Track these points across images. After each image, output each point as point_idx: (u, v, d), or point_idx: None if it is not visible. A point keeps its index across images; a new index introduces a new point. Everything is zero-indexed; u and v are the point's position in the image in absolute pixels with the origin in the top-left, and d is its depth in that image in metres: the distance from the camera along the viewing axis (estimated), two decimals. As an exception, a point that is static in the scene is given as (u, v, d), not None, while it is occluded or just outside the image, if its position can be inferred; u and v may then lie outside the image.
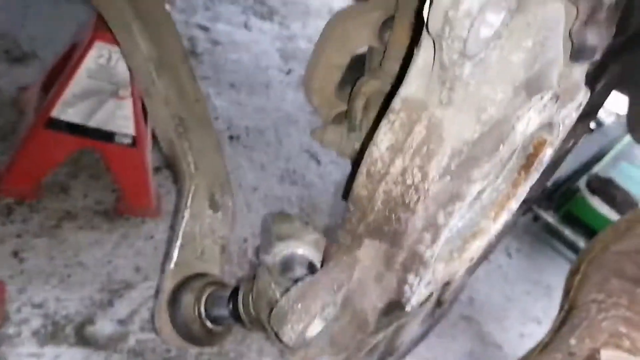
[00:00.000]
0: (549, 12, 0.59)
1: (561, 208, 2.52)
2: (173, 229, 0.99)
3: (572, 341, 1.32)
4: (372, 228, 0.70)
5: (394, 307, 0.78)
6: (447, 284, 1.07)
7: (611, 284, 1.45)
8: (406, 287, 0.73)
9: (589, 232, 2.46)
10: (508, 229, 1.13)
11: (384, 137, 0.65)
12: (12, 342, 1.15)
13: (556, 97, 0.64)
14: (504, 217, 0.85)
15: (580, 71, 0.70)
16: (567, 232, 2.43)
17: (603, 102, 1.03)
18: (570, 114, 0.72)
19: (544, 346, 1.41)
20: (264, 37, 3.23)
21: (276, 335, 0.72)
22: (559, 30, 0.61)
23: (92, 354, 1.20)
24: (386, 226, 0.69)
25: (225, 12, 3.24)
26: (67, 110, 1.44)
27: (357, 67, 1.17)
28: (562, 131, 0.75)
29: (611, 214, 2.37)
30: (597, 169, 2.63)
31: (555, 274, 2.26)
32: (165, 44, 1.08)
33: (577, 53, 0.65)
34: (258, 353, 1.40)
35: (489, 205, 0.86)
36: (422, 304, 0.95)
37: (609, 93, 1.02)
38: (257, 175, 2.00)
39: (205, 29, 2.97)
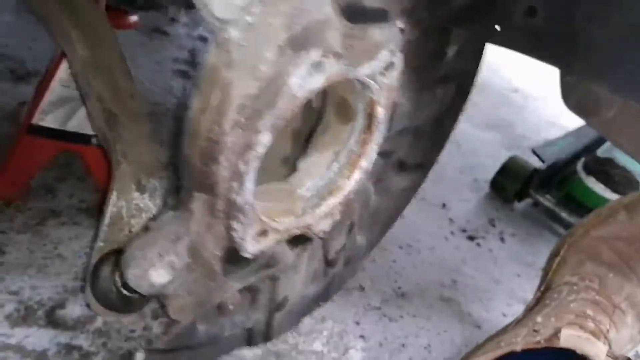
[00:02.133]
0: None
1: (560, 191, 2.50)
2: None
3: (539, 319, 1.35)
4: (197, 182, 0.81)
5: (234, 255, 0.87)
6: (327, 246, 1.14)
7: (585, 267, 1.47)
8: (234, 234, 0.82)
9: (588, 213, 2.43)
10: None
11: (196, 101, 0.74)
12: (-15, 325, 1.29)
13: (335, 55, 0.71)
14: (357, 175, 0.94)
15: (379, 33, 0.76)
16: (565, 215, 2.41)
17: (473, 68, 1.08)
18: (377, 72, 0.79)
19: (515, 322, 1.44)
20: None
21: (125, 283, 0.82)
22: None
23: (60, 334, 1.31)
24: (204, 179, 0.79)
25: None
26: (45, 117, 1.59)
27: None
28: (386, 90, 0.81)
29: (607, 193, 2.33)
30: (599, 151, 2.59)
31: (550, 256, 2.24)
32: (101, 48, 1.19)
33: (352, 15, 0.72)
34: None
35: (345, 165, 0.94)
36: (299, 260, 1.02)
37: (476, 58, 1.06)
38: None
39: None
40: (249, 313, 1.14)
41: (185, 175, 0.81)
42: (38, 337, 1.29)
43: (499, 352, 1.25)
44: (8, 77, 2.15)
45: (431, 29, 0.85)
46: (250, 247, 0.85)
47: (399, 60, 0.81)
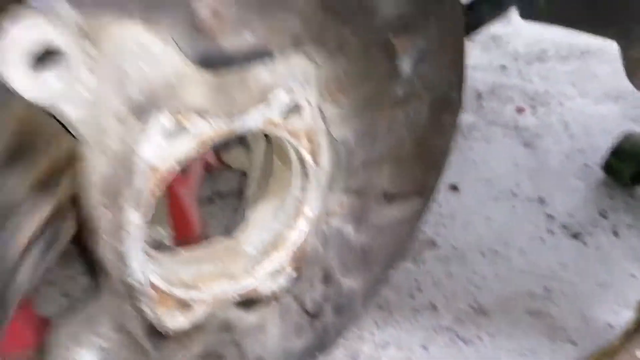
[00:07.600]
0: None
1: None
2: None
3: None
4: (95, 264, 0.76)
5: (157, 332, 0.80)
6: (300, 299, 1.02)
7: None
8: (144, 315, 0.76)
9: None
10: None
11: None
12: None
13: (199, 112, 0.63)
14: (303, 224, 0.83)
15: (266, 74, 0.68)
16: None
17: (452, 76, 0.91)
18: (277, 116, 0.71)
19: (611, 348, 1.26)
20: None
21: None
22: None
23: None
24: (96, 261, 0.74)
25: None
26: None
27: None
28: (303, 133, 0.71)
29: None
30: None
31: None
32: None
33: (214, 63, 0.63)
34: None
35: (291, 215, 0.84)
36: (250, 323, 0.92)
37: (451, 64, 0.91)
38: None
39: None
40: None
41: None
42: None
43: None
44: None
45: (363, 49, 0.73)
46: (171, 323, 0.81)
47: (311, 95, 0.70)
